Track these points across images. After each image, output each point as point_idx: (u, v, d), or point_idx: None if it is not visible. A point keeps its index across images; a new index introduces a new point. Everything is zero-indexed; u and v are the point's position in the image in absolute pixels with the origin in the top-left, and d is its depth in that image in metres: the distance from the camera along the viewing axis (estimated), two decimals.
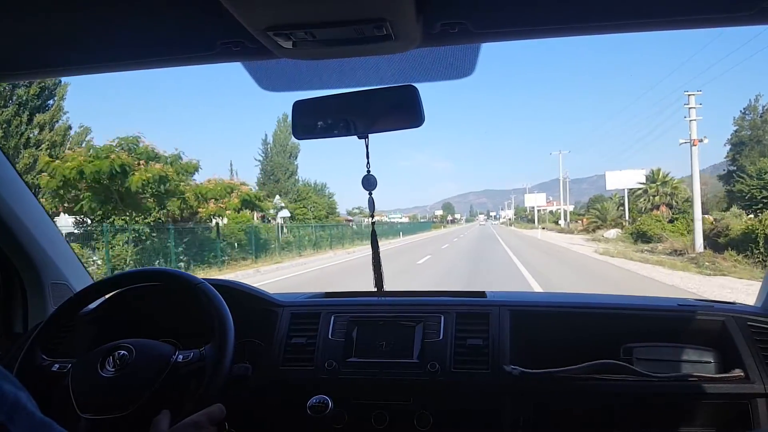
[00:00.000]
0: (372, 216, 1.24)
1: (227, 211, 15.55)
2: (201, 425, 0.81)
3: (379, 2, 0.67)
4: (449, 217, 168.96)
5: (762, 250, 14.54)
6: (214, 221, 15.82)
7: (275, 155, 38.33)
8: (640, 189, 34.10)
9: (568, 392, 1.16)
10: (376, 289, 1.27)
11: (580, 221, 45.98)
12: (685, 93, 18.86)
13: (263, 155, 39.02)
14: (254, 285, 1.44)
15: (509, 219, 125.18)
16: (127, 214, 12.72)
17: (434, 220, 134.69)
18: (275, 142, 38.35)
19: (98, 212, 12.38)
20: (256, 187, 33.62)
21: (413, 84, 1.05)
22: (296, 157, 39.65)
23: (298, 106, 1.12)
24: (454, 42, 0.87)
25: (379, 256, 1.25)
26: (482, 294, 1.45)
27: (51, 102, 20.62)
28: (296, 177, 39.61)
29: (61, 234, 1.50)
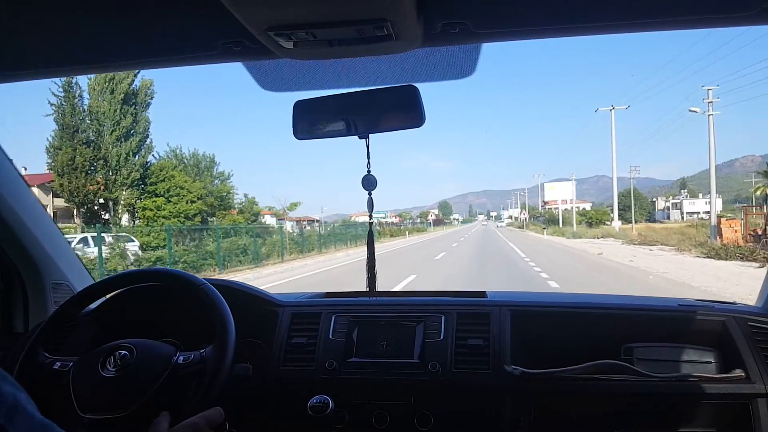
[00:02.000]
0: (370, 216, 1.24)
1: None
2: (199, 428, 0.81)
3: (380, 2, 0.67)
4: (431, 217, 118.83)
5: None
6: None
7: (96, 96, 20.04)
8: None
9: (569, 392, 1.16)
10: (368, 290, 1.26)
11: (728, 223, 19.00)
12: None
13: (61, 95, 19.31)
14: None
15: (522, 219, 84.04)
16: None
17: (428, 220, 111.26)
18: (97, 74, 19.09)
19: None
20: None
21: (414, 84, 1.05)
22: (147, 106, 20.96)
23: (299, 107, 1.12)
24: (455, 42, 0.87)
25: (374, 257, 1.26)
26: (483, 294, 1.45)
27: None
28: (147, 141, 21.01)
29: (62, 234, 1.50)
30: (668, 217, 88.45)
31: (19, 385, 0.49)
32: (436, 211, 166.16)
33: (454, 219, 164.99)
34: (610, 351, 1.20)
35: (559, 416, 1.23)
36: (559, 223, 49.50)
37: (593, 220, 50.00)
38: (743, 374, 1.12)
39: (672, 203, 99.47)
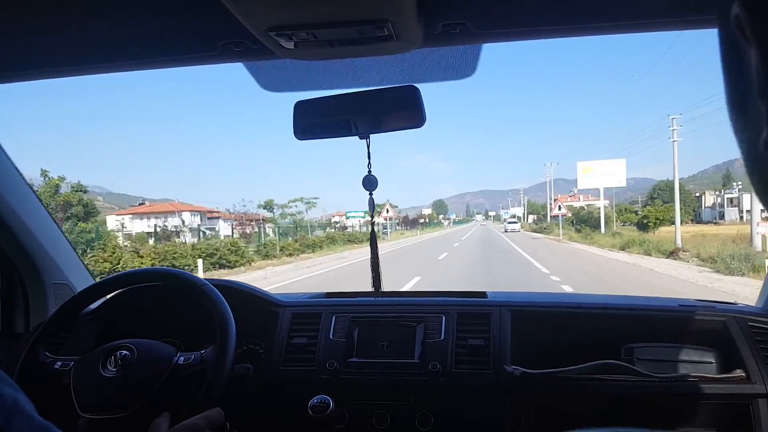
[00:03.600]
0: (372, 216, 1.24)
1: None
2: (199, 428, 0.82)
3: (381, 3, 0.67)
4: (385, 213, 32.50)
5: None
6: None
7: None
8: None
9: (570, 392, 1.16)
10: (373, 290, 1.27)
11: None
12: None
13: None
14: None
15: (559, 217, 34.53)
16: None
17: (386, 219, 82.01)
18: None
19: None
20: None
21: (414, 84, 1.05)
22: None
23: (299, 107, 1.12)
24: (455, 42, 0.87)
25: (378, 257, 1.25)
26: (483, 294, 1.45)
27: None
28: None
29: (63, 234, 1.50)
30: (722, 217, 66.94)
31: (18, 386, 0.49)
32: (429, 210, 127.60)
33: (443, 218, 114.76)
34: (611, 351, 1.20)
35: (559, 416, 1.23)
36: (600, 227, 30.59)
37: (652, 221, 30.24)
38: (743, 374, 1.12)
39: (727, 199, 71.83)
